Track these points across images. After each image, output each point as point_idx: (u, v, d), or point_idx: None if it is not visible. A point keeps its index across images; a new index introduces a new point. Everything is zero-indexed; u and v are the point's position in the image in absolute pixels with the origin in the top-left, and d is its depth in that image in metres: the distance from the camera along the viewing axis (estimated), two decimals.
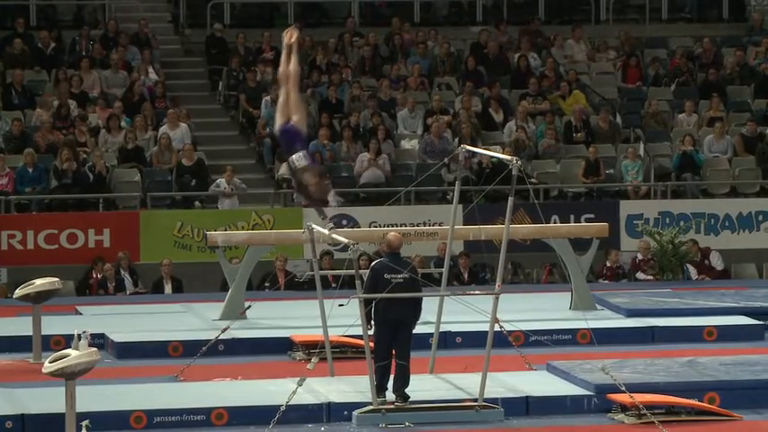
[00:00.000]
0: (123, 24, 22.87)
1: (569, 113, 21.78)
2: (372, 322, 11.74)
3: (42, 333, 14.23)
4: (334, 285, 15.60)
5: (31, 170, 19.69)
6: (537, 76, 22.32)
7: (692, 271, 19.72)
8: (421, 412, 11.74)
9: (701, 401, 11.97)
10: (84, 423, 10.77)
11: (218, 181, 19.97)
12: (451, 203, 13.74)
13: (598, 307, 16.20)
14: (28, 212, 19.69)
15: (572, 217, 19.72)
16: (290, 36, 11.93)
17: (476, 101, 21.78)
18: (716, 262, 19.73)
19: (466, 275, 19.03)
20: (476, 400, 11.84)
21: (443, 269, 13.42)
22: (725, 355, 13.53)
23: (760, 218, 20.39)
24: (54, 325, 14.73)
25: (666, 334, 15.14)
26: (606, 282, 19.23)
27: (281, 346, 14.56)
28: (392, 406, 11.72)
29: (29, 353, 14.23)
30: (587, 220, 19.37)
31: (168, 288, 18.74)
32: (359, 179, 20.54)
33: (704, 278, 19.60)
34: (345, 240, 12.15)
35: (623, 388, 11.71)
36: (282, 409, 11.40)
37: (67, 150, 19.67)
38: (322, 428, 11.66)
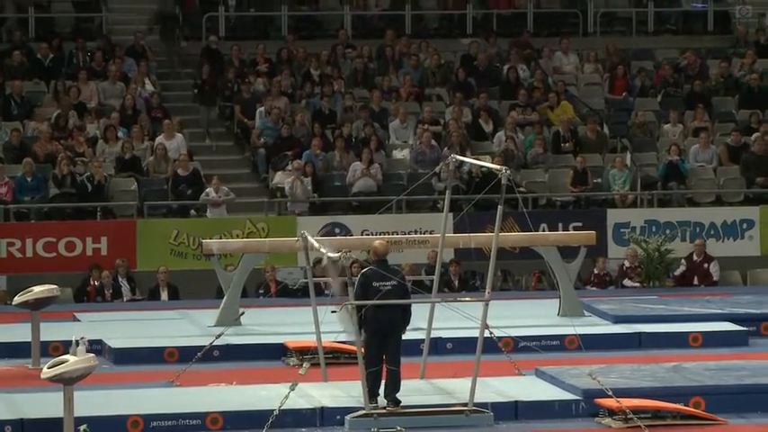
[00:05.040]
0: (119, 37, 23.05)
1: (558, 124, 21.92)
2: (363, 329, 11.87)
3: (41, 339, 14.36)
4: (327, 292, 15.75)
5: (29, 179, 19.80)
6: (526, 88, 22.49)
7: (681, 268, 19.68)
8: (412, 417, 11.88)
9: (687, 406, 12.13)
10: (83, 427, 10.94)
11: (207, 190, 20.09)
12: (442, 212, 13.85)
13: (586, 313, 16.35)
14: (27, 221, 19.79)
15: (560, 225, 19.79)
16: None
17: (466, 111, 21.93)
18: (714, 270, 19.79)
19: (456, 283, 19.11)
20: (466, 405, 12.01)
21: (434, 276, 13.57)
22: (710, 361, 13.70)
23: (744, 226, 20.52)
24: (52, 331, 14.84)
25: (653, 340, 15.30)
26: (594, 288, 19.36)
27: (276, 351, 14.71)
28: (384, 411, 11.87)
29: (28, 359, 14.37)
30: (575, 229, 19.40)
31: (164, 295, 18.83)
32: (351, 188, 20.69)
33: (694, 277, 19.74)
34: (336, 256, 12.22)
35: (610, 393, 11.89)
36: (276, 413, 11.57)
37: (67, 159, 19.80)
38: None
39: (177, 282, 19.03)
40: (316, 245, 12.74)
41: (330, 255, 12.06)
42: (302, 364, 12.64)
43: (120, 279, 18.92)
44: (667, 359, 13.86)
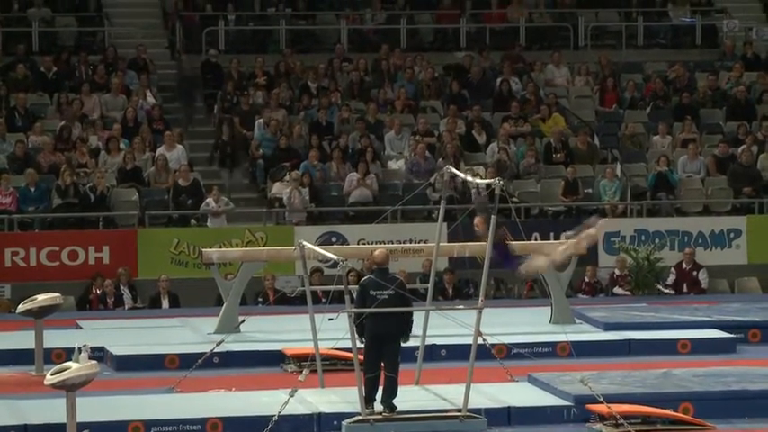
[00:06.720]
0: (122, 50, 23.32)
1: (549, 135, 22.19)
2: (361, 336, 12.09)
3: (44, 346, 14.56)
4: (323, 300, 15.68)
5: (33, 190, 20.03)
6: (518, 100, 22.78)
7: (672, 277, 19.98)
8: (407, 422, 12.04)
9: (676, 411, 12.31)
10: None
11: (207, 200, 20.31)
12: (436, 222, 14.02)
13: (577, 321, 16.55)
14: (30, 231, 19.99)
15: (552, 234, 19.91)
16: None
17: (460, 123, 22.15)
18: (702, 277, 20.01)
19: (450, 291, 19.32)
20: (460, 411, 12.16)
21: (429, 285, 13.76)
22: (698, 367, 13.90)
23: (731, 235, 20.75)
24: (55, 339, 15.01)
25: (642, 347, 15.50)
26: (585, 296, 19.59)
27: (274, 358, 14.90)
28: (380, 416, 12.02)
29: (31, 365, 14.57)
30: (567, 238, 19.83)
31: (165, 303, 19.02)
32: (348, 198, 20.94)
33: (683, 284, 20.03)
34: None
35: (601, 398, 12.08)
36: (275, 419, 11.74)
37: (69, 170, 20.05)
38: None
39: (178, 290, 19.21)
40: (316, 250, 12.98)
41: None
42: (302, 371, 12.77)
43: (121, 287, 19.11)
44: (657, 366, 14.03)
